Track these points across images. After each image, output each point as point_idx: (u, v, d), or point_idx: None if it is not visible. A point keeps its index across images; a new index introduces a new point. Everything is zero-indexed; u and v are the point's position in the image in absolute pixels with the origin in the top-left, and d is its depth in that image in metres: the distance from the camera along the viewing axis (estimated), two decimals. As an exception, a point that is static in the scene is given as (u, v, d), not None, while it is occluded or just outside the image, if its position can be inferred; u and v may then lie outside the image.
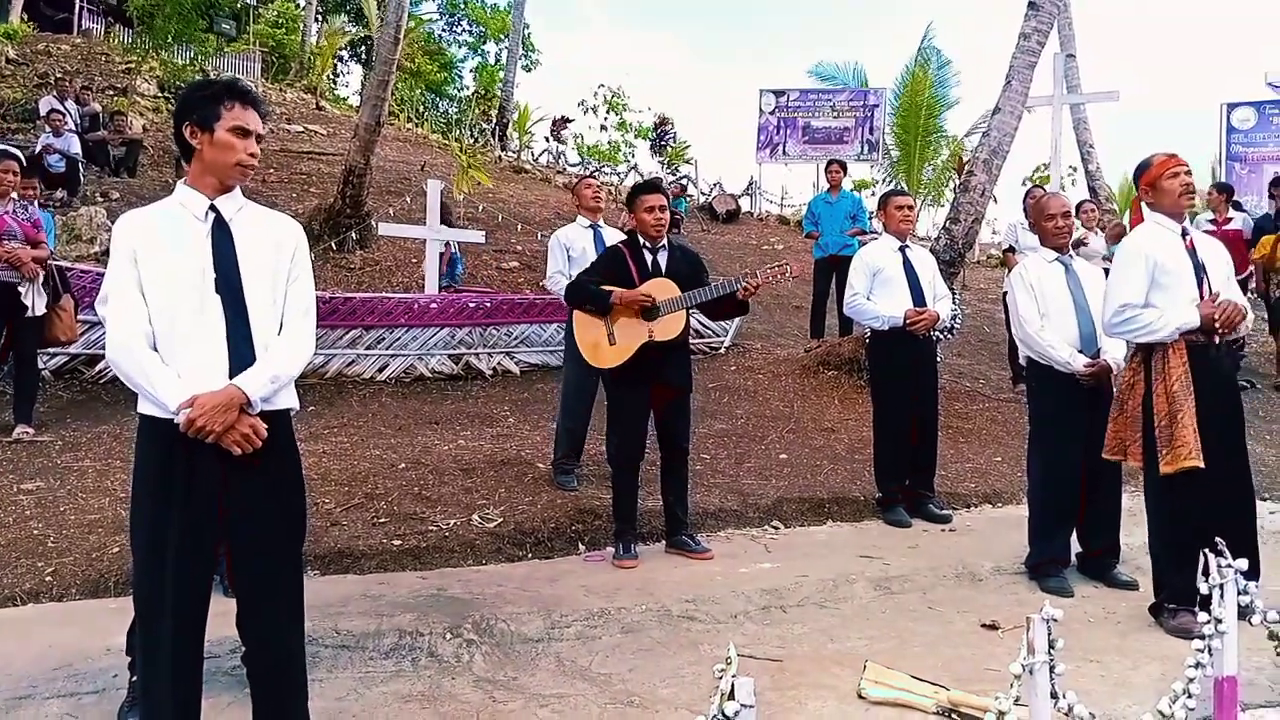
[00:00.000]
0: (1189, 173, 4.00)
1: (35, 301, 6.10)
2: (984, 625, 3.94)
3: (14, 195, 6.21)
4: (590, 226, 5.91)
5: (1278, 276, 9.08)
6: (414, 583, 4.16)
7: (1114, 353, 4.46)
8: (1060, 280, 4.60)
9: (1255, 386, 8.88)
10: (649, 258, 4.74)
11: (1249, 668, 3.19)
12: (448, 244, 10.28)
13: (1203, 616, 2.72)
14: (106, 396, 7.11)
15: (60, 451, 5.80)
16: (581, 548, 4.86)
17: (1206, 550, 2.79)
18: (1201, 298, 3.87)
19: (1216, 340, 3.86)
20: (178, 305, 2.45)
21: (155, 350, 2.43)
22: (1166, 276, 3.89)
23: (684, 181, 20.12)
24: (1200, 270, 3.92)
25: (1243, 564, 2.81)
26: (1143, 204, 4.15)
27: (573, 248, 5.81)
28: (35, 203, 6.59)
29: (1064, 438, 4.42)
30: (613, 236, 5.81)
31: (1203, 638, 2.67)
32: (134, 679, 2.88)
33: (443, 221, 10.18)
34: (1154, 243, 3.95)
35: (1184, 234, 3.99)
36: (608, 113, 31.12)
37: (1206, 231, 8.51)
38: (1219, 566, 2.75)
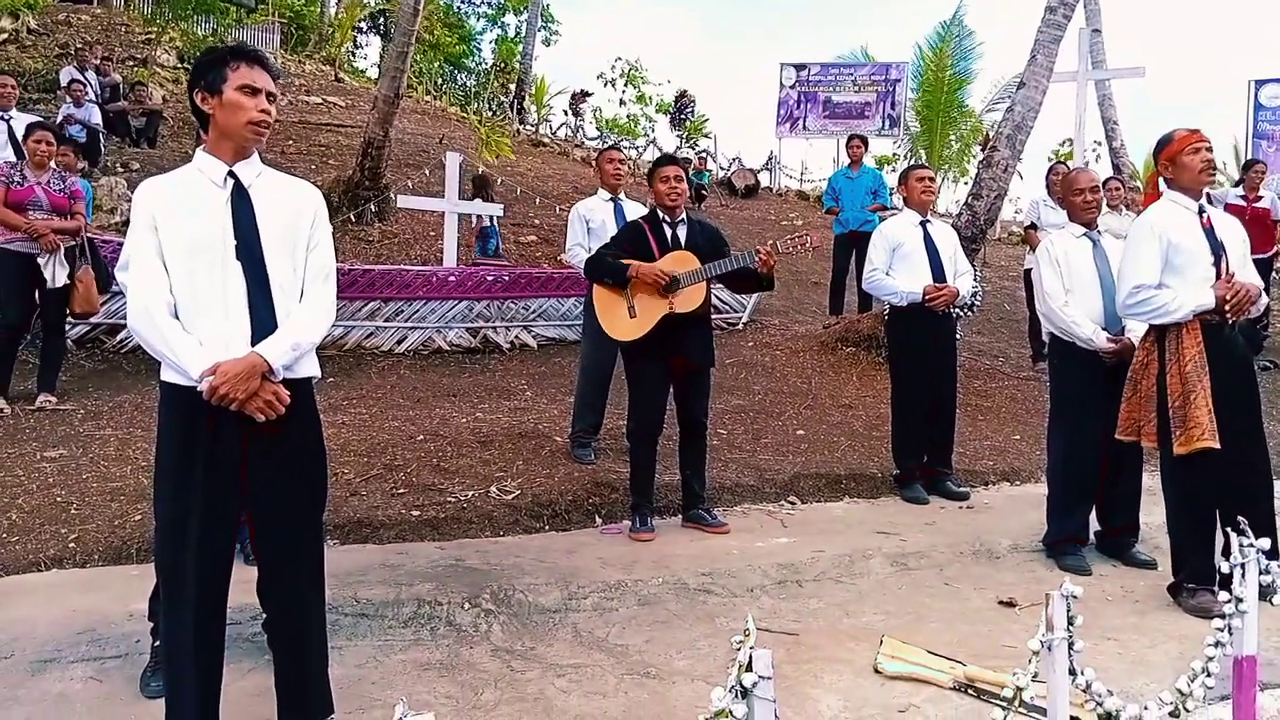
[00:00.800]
0: (1210, 149, 3.95)
1: (56, 273, 6.13)
2: (1001, 602, 3.94)
3: (52, 165, 6.25)
4: (611, 199, 5.86)
5: (1304, 256, 8.98)
6: (432, 553, 4.19)
7: (1138, 330, 4.42)
8: (1087, 256, 4.54)
9: (1277, 367, 8.79)
10: (668, 231, 4.73)
11: (1268, 648, 3.17)
12: (480, 217, 10.29)
13: (1223, 596, 2.70)
14: (128, 366, 7.17)
15: (83, 420, 5.86)
16: (598, 520, 4.87)
17: (1228, 529, 2.77)
18: (1218, 277, 3.82)
19: (1229, 320, 3.81)
20: (198, 272, 2.45)
21: (176, 318, 2.44)
22: (1181, 256, 3.85)
23: (704, 155, 19.98)
24: (1219, 249, 3.86)
25: (1265, 543, 2.79)
26: (1160, 179, 4.10)
27: (592, 220, 5.78)
28: (70, 172, 6.61)
29: (1086, 415, 4.39)
30: (633, 210, 5.78)
31: (1222, 617, 2.66)
32: (156, 644, 2.92)
33: (482, 194, 10.23)
34: (1169, 221, 3.90)
35: (1201, 211, 3.93)
36: (626, 85, 31.03)
37: (1235, 206, 8.43)
38: (1241, 545, 2.73)
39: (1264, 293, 4.04)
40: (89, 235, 6.41)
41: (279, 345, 2.46)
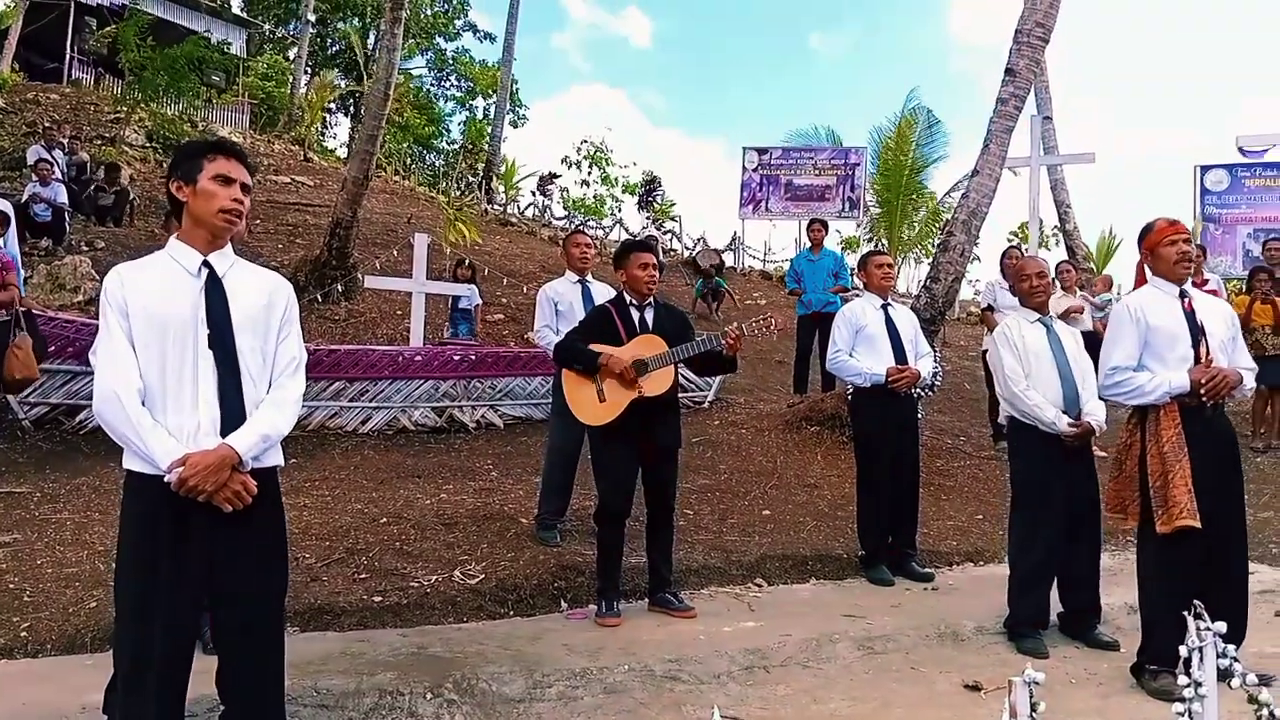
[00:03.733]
0: (1188, 241, 4.07)
1: None
2: (967, 686, 3.93)
3: None
4: (579, 281, 5.94)
5: (1252, 336, 9.23)
6: (394, 640, 4.12)
7: (1097, 414, 4.52)
8: (1043, 341, 4.66)
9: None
10: (636, 315, 4.79)
11: (1229, 731, 3.19)
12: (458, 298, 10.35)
13: (1183, 679, 2.73)
14: (87, 448, 7.04)
15: (39, 503, 5.74)
16: (564, 605, 4.83)
17: (1184, 613, 2.80)
18: (1197, 360, 3.92)
19: (1206, 405, 3.89)
20: (169, 359, 2.47)
21: (143, 405, 2.44)
22: (1159, 339, 3.95)
23: (715, 262, 20.07)
24: (1198, 333, 3.96)
25: (1221, 627, 2.83)
26: (1145, 267, 4.23)
27: (560, 302, 5.84)
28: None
29: (1045, 498, 4.45)
30: (601, 291, 5.85)
31: (1183, 700, 2.68)
32: (110, 738, 2.84)
33: (471, 281, 10.32)
34: (1148, 305, 4.02)
35: (1182, 295, 4.04)
36: (590, 167, 31.61)
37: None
38: (1198, 629, 2.77)
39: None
40: (23, 307, 6.30)
41: (249, 437, 2.47)
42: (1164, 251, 4.05)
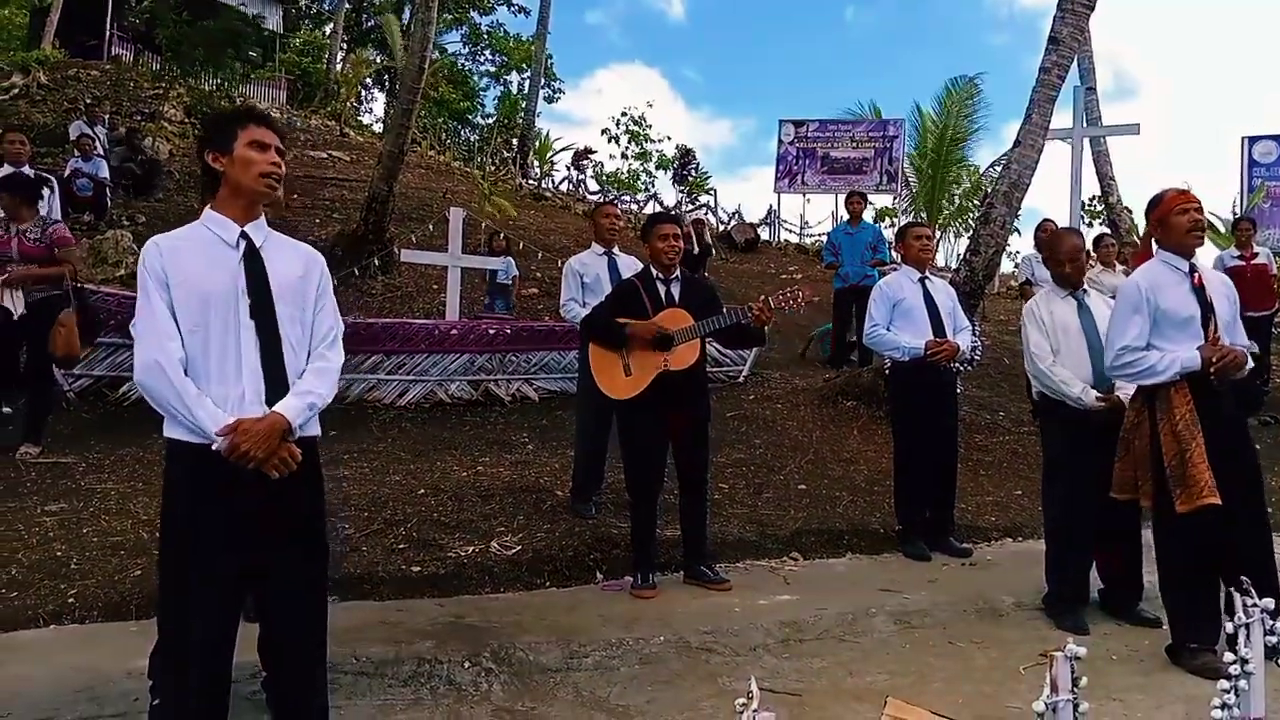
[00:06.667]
0: (1199, 210, 3.97)
1: (13, 302, 5.94)
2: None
3: (40, 215, 6.25)
4: (605, 254, 5.91)
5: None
6: (432, 610, 4.16)
7: (1128, 389, 4.43)
8: (1073, 316, 4.56)
9: (1277, 421, 8.79)
10: (662, 289, 4.76)
11: (1276, 709, 3.14)
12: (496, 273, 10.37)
13: (1228, 656, 2.68)
14: (130, 418, 7.15)
15: (84, 473, 5.85)
16: (599, 576, 4.84)
17: (1232, 589, 2.75)
18: (1206, 338, 3.83)
19: (1213, 381, 3.80)
20: (211, 330, 2.49)
21: (186, 374, 2.46)
22: (1168, 317, 3.87)
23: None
24: (1208, 310, 3.87)
25: (1269, 603, 2.78)
26: (1153, 240, 4.13)
27: (586, 274, 5.83)
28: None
29: (1077, 474, 4.38)
30: (627, 264, 5.83)
31: (1229, 678, 2.64)
32: (155, 703, 2.88)
33: (506, 253, 10.33)
34: (1157, 282, 3.92)
35: (1192, 271, 3.95)
36: (628, 141, 31.49)
37: (1235, 267, 8.50)
38: (1245, 606, 2.72)
39: (1262, 350, 4.04)
40: (76, 282, 6.31)
41: (297, 405, 2.50)
42: (1174, 221, 3.94)
